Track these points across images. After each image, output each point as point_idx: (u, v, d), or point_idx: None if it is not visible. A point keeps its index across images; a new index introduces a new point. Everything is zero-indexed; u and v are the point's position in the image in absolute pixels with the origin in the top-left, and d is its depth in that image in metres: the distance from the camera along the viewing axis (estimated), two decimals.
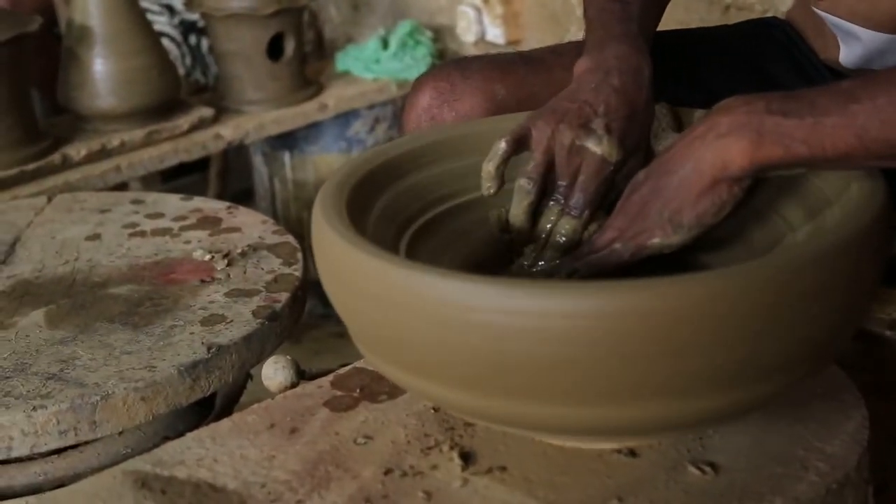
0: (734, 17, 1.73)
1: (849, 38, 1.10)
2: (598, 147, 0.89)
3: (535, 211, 0.93)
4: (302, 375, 1.04)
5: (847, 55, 1.12)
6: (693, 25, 1.25)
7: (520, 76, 1.11)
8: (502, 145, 0.91)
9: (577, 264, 0.90)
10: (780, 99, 0.79)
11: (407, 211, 0.95)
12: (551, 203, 0.93)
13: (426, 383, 0.79)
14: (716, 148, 0.80)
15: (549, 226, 0.93)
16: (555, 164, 0.91)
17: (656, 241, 0.85)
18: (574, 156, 0.90)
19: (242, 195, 2.44)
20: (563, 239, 0.92)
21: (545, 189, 0.92)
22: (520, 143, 0.92)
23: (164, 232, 1.40)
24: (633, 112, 0.91)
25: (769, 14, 1.71)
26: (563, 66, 1.12)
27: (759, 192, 0.88)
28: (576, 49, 1.15)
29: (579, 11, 2.09)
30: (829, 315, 0.74)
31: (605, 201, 0.93)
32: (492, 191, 0.93)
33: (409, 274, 0.75)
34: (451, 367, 0.75)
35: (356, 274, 0.78)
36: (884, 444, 0.97)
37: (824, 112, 0.77)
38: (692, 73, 1.15)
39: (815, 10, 1.13)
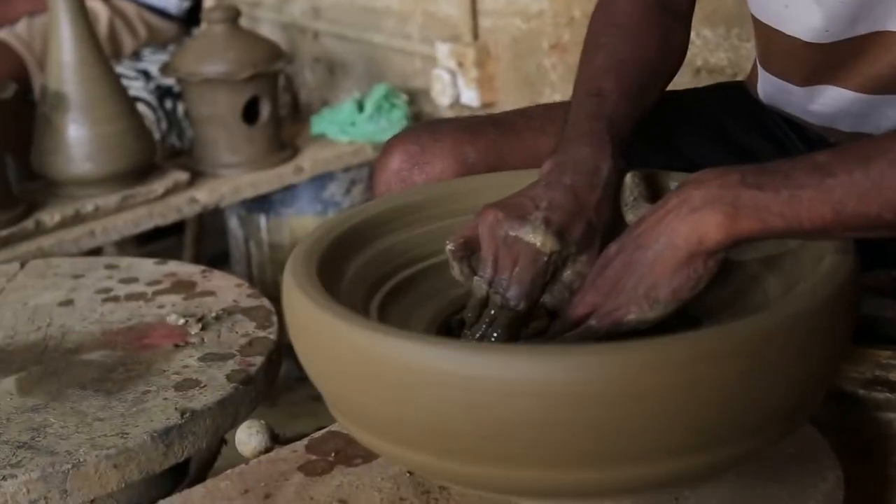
0: (705, 80, 1.76)
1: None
2: (531, 237, 0.89)
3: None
4: (276, 440, 1.03)
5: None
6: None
7: (490, 139, 1.12)
8: (450, 248, 0.92)
9: (553, 343, 0.88)
10: (754, 172, 0.79)
11: (378, 273, 0.95)
12: (495, 295, 0.91)
13: (397, 449, 0.79)
14: (691, 222, 0.80)
15: (488, 319, 0.91)
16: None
17: (633, 317, 0.84)
18: (511, 248, 0.90)
19: (218, 258, 2.44)
20: (498, 332, 0.90)
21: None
22: (468, 243, 0.92)
23: (138, 297, 1.40)
24: (580, 209, 0.91)
25: (739, 76, 1.74)
26: (532, 128, 1.13)
27: (746, 265, 0.89)
28: (545, 111, 1.17)
29: (553, 75, 2.13)
30: (798, 378, 0.75)
31: (541, 294, 0.91)
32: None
33: (377, 337, 0.75)
34: (421, 432, 0.75)
35: (325, 337, 0.78)
36: None
37: (800, 185, 0.77)
38: (662, 137, 1.16)
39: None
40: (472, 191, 1.02)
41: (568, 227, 0.90)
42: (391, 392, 0.74)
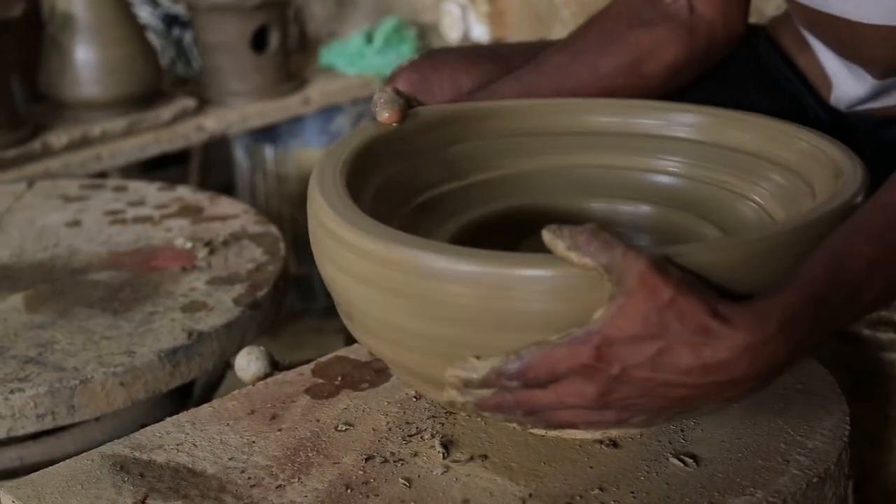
0: None
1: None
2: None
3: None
4: (276, 367, 1.03)
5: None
6: None
7: (486, 69, 1.11)
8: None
9: None
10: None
11: (404, 189, 0.93)
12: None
13: (415, 357, 0.77)
14: None
15: None
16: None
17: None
18: None
19: (223, 189, 2.43)
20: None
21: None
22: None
23: (145, 219, 1.39)
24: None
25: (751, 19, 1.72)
26: (526, 63, 1.12)
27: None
28: (543, 46, 1.16)
29: (564, 12, 2.11)
30: None
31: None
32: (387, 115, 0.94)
33: (396, 246, 0.73)
34: (435, 345, 0.74)
35: (348, 244, 0.76)
36: (861, 444, 0.98)
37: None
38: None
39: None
40: (484, 111, 1.00)
41: None
42: (407, 301, 0.73)
